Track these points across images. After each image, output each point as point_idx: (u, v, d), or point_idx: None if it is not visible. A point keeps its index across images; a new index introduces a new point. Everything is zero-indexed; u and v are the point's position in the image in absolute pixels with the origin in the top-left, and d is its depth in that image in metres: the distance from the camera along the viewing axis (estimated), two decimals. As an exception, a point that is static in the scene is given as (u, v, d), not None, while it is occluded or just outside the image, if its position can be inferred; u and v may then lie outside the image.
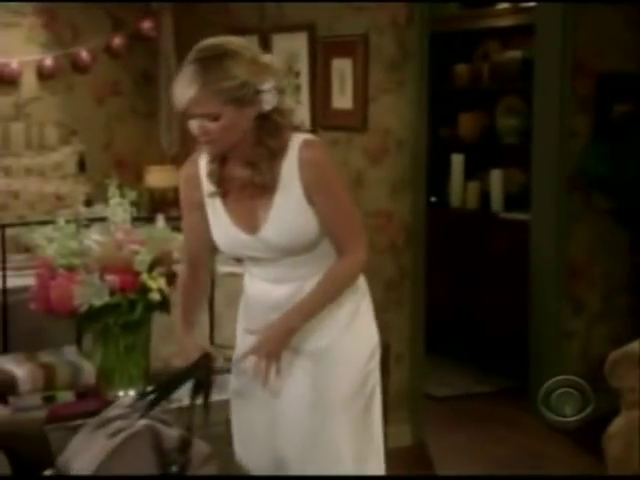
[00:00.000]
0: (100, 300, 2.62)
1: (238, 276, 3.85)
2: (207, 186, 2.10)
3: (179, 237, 2.75)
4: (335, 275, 2.08)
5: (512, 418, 4.19)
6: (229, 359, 3.74)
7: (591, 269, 4.18)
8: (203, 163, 2.11)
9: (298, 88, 4.46)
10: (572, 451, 3.81)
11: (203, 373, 2.11)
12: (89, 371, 2.77)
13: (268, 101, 1.97)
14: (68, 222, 2.80)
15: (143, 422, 2.02)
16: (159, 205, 5.15)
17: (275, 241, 2.05)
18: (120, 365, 2.74)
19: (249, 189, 2.06)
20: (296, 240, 2.05)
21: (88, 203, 5.02)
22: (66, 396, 2.73)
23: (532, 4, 4.51)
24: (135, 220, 2.86)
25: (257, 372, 2.05)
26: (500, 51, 5.09)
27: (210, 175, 2.09)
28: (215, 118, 1.95)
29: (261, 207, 2.05)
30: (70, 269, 2.67)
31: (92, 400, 2.72)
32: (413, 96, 3.84)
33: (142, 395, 2.14)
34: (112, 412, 2.13)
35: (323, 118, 4.28)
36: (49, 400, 2.72)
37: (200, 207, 2.13)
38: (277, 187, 2.02)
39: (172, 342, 3.64)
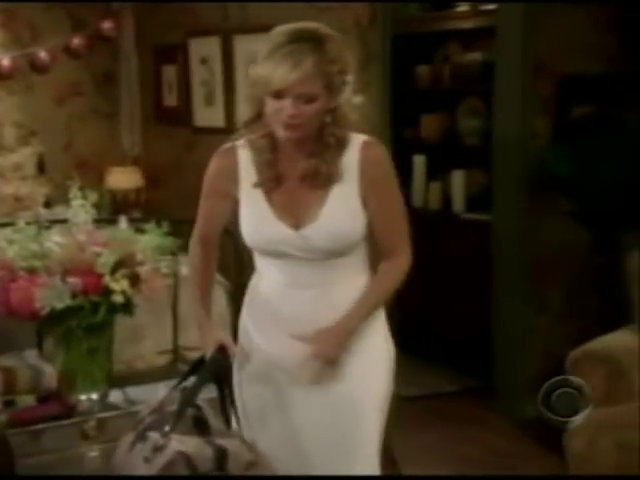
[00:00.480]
0: (62, 303, 2.58)
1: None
2: (249, 176, 2.07)
3: (142, 239, 2.73)
4: (392, 275, 2.10)
5: (479, 417, 4.20)
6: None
7: (554, 269, 4.21)
8: (244, 154, 2.08)
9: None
10: (539, 450, 3.80)
11: (220, 368, 2.08)
12: (50, 374, 2.73)
13: (346, 93, 1.99)
14: (28, 224, 2.76)
15: (174, 448, 1.95)
16: (121, 206, 5.11)
17: (319, 238, 2.02)
18: (83, 368, 2.70)
19: (306, 181, 2.03)
20: (340, 240, 2.04)
21: (48, 205, 4.96)
22: (27, 400, 2.69)
23: (492, 7, 4.55)
24: (97, 222, 2.83)
25: (315, 377, 2.06)
26: (461, 53, 5.13)
27: (265, 164, 2.05)
28: (310, 101, 1.93)
29: (314, 201, 2.03)
30: (31, 271, 2.63)
31: (54, 404, 2.68)
32: (377, 97, 3.85)
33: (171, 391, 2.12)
34: (146, 415, 2.09)
35: (286, 119, 4.28)
36: (10, 404, 2.67)
37: (228, 198, 2.12)
38: (334, 182, 2.02)
39: (135, 344, 3.62)
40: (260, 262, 2.16)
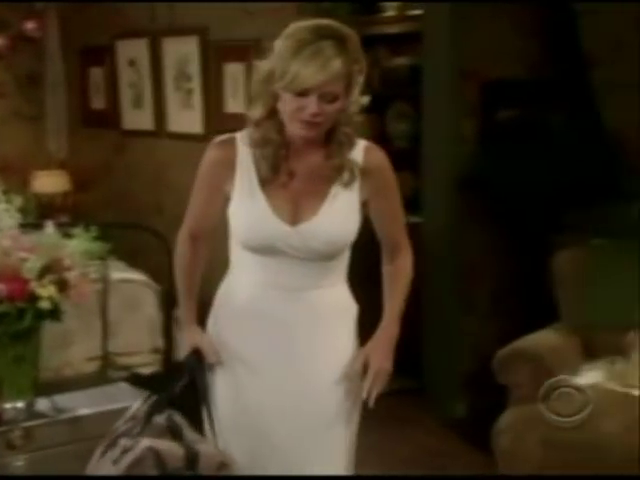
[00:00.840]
0: (-14, 309, 2.52)
1: (133, 282, 3.81)
2: (247, 171, 2.03)
3: (70, 244, 2.69)
4: (407, 270, 2.20)
5: (413, 417, 4.23)
6: (127, 367, 3.70)
7: (481, 270, 4.28)
8: (244, 148, 2.04)
9: (190, 92, 4.43)
10: (468, 448, 3.85)
11: (193, 372, 2.05)
12: (-26, 383, 2.66)
13: (356, 93, 1.98)
14: (-49, 229, 2.69)
15: (145, 444, 1.92)
16: (47, 211, 5.01)
17: (314, 236, 2.01)
18: (8, 376, 2.64)
19: (311, 177, 2.02)
20: (335, 240, 2.04)
21: (-29, 209, 4.84)
22: (-50, 410, 2.62)
23: (419, 12, 4.62)
24: (22, 226, 2.77)
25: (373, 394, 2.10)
26: (389, 57, 5.18)
27: (269, 160, 2.01)
28: (332, 100, 1.93)
29: (313, 199, 2.02)
30: (-46, 278, 2.57)
31: (-21, 413, 2.62)
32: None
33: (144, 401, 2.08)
34: (120, 425, 2.05)
35: (216, 122, 4.27)
36: None
37: (221, 191, 2.06)
38: (337, 180, 2.03)
39: (63, 351, 3.56)
40: (244, 261, 2.09)
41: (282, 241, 2.01)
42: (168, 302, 3.75)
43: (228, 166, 2.04)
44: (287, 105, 1.94)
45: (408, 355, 4.59)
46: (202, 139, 4.41)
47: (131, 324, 3.69)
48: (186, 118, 4.46)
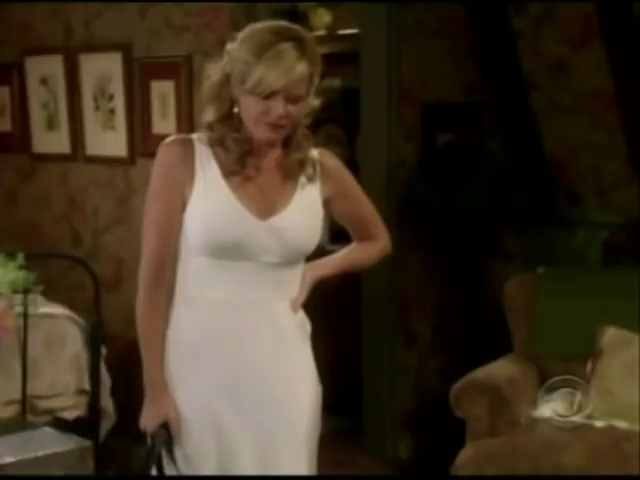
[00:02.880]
0: None
1: (55, 317, 3.48)
2: (208, 169, 1.93)
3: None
4: (372, 251, 2.17)
5: (349, 459, 4.02)
6: (48, 411, 3.38)
7: (422, 301, 4.14)
8: (201, 147, 1.95)
9: (112, 112, 4.14)
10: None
11: (161, 447, 1.90)
12: None
13: (312, 95, 1.95)
14: None
15: None
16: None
17: (288, 228, 1.95)
18: None
19: (276, 172, 1.98)
20: (305, 235, 1.97)
21: None
22: None
23: (350, 32, 4.51)
24: None
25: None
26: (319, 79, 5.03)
27: (238, 152, 1.93)
28: (295, 101, 1.89)
29: (281, 194, 1.97)
30: None
31: None
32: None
33: None
34: None
35: (143, 144, 4.00)
36: None
37: (182, 195, 1.93)
38: (302, 174, 2.01)
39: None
40: (200, 278, 1.95)
41: (251, 238, 1.92)
42: (94, 338, 3.44)
43: (187, 163, 1.93)
44: (251, 108, 1.89)
45: (343, 395, 4.40)
46: (127, 163, 4.13)
47: (54, 363, 3.39)
48: (108, 140, 4.16)
